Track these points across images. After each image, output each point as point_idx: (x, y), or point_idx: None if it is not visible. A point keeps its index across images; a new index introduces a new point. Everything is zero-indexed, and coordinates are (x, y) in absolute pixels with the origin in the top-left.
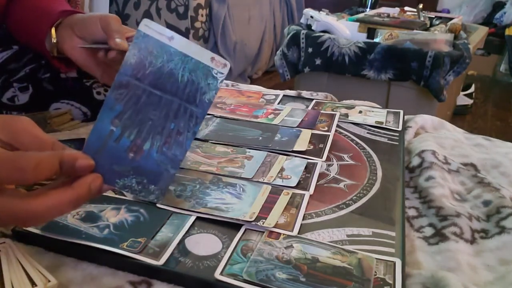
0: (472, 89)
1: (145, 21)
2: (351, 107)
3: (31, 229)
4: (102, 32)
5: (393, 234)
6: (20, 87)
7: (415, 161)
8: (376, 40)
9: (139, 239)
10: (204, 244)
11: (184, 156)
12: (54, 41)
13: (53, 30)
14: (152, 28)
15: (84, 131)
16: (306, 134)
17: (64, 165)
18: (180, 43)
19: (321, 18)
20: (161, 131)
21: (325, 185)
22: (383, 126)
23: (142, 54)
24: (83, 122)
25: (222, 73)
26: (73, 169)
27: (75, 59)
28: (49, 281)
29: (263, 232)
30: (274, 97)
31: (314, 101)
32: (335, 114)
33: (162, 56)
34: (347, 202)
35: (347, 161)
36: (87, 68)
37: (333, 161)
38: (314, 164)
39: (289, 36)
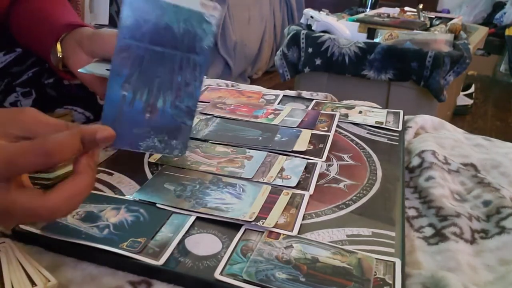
0: (472, 89)
1: None
2: (351, 107)
3: (31, 229)
4: None
5: (393, 234)
6: (23, 92)
7: (415, 161)
8: (376, 40)
9: (139, 239)
10: (204, 244)
11: (197, 106)
12: (60, 56)
13: (58, 45)
14: None
15: None
16: (306, 134)
17: (85, 140)
18: None
19: (321, 18)
20: (170, 85)
21: (325, 185)
22: (383, 126)
23: (136, 13)
24: (84, 123)
25: (214, 16)
26: (95, 142)
27: (79, 75)
28: (49, 281)
29: (263, 232)
30: (274, 97)
31: (314, 101)
32: (335, 114)
33: (155, 12)
34: (347, 202)
35: (347, 161)
36: (90, 86)
37: (333, 161)
38: (314, 164)
39: (289, 36)
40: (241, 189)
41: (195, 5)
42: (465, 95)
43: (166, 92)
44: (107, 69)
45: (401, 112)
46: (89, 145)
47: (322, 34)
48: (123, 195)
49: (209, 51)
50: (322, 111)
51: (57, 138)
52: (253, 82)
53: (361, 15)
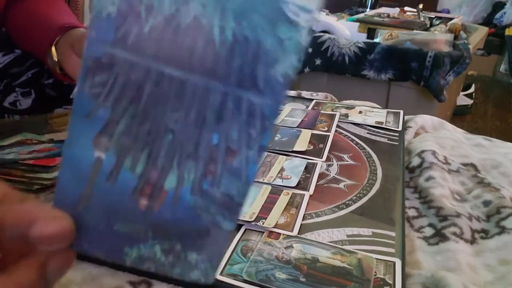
0: (472, 89)
1: None
2: (351, 107)
3: None
4: None
5: (393, 234)
6: (23, 92)
7: (415, 161)
8: (376, 40)
9: None
10: None
11: (247, 196)
12: (55, 60)
13: (53, 49)
14: None
15: None
16: (306, 134)
17: (6, 237)
18: None
19: (321, 18)
20: (194, 151)
21: (325, 185)
22: (383, 126)
23: None
24: None
25: (309, 10)
26: (29, 240)
27: (75, 78)
28: None
29: (263, 232)
30: None
31: (314, 101)
32: (335, 114)
33: None
34: (347, 202)
35: (347, 161)
36: None
37: (333, 161)
38: (314, 164)
39: None
40: None
41: None
42: (465, 95)
43: (184, 163)
44: None
45: (401, 112)
46: (16, 244)
47: (322, 34)
48: None
49: (286, 87)
50: (322, 111)
51: None
52: None
53: (361, 15)
